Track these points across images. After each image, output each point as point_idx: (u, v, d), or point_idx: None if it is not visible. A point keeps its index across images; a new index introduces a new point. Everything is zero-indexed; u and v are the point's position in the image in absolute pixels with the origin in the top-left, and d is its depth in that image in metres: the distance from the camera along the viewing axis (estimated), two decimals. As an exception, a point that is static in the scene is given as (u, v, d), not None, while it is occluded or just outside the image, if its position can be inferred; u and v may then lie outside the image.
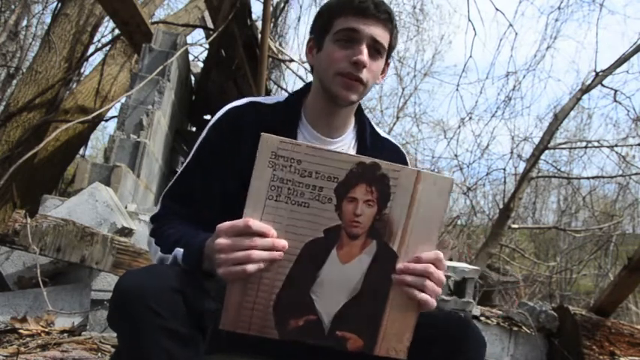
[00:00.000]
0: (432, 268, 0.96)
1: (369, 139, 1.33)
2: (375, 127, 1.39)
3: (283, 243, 0.94)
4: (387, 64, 1.31)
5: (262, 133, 0.93)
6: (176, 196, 1.26)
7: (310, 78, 1.36)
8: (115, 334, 2.31)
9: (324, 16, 1.26)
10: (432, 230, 0.96)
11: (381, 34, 1.21)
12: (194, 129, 6.25)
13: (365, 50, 1.18)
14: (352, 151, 1.32)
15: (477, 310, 3.39)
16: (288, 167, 0.93)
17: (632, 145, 7.59)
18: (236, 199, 1.23)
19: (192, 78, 5.75)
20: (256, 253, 0.92)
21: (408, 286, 0.96)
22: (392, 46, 1.27)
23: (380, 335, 0.96)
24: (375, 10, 1.19)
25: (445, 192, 0.95)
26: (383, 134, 1.40)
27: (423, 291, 0.96)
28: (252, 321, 0.95)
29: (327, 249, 0.95)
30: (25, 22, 8.14)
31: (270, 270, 0.94)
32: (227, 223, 0.96)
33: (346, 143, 1.32)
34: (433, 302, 0.97)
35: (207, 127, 1.28)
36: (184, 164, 1.30)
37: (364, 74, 1.19)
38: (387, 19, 1.21)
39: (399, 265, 0.96)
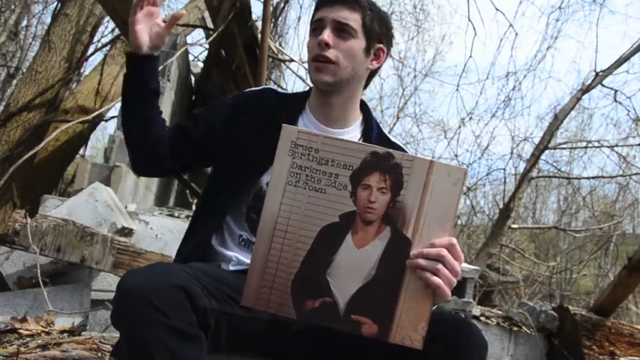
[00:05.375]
0: (444, 251, 0.98)
1: (374, 139, 1.36)
2: (383, 130, 1.43)
3: None
4: (380, 49, 1.36)
5: (283, 124, 1.01)
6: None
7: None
8: (115, 334, 2.32)
9: (310, 20, 1.38)
10: (446, 219, 0.99)
11: (346, 16, 1.29)
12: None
13: (326, 31, 1.28)
14: None
15: (477, 310, 3.39)
16: (307, 155, 0.99)
17: (632, 145, 7.59)
18: (229, 167, 1.34)
19: (192, 78, 5.75)
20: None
21: (421, 269, 0.98)
22: (369, 27, 1.32)
23: (395, 322, 0.98)
24: None
25: (458, 182, 0.98)
26: (392, 139, 1.43)
27: (437, 275, 0.97)
28: (271, 299, 0.99)
29: (342, 233, 1.00)
30: (25, 22, 8.14)
31: (289, 251, 0.99)
32: None
33: (350, 138, 1.33)
34: (447, 290, 0.98)
35: (220, 99, 1.42)
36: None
37: (331, 53, 1.28)
38: (353, 2, 1.30)
39: (413, 251, 0.99)
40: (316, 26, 1.31)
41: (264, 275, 0.99)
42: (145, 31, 1.29)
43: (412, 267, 0.98)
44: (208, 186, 1.40)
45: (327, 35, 1.27)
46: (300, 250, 0.99)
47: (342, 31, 1.29)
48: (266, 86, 1.44)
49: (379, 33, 1.35)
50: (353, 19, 1.29)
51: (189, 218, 3.10)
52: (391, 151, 0.99)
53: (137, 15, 1.28)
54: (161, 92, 3.96)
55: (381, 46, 1.36)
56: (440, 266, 0.98)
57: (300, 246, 0.99)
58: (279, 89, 1.44)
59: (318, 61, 1.28)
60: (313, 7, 1.38)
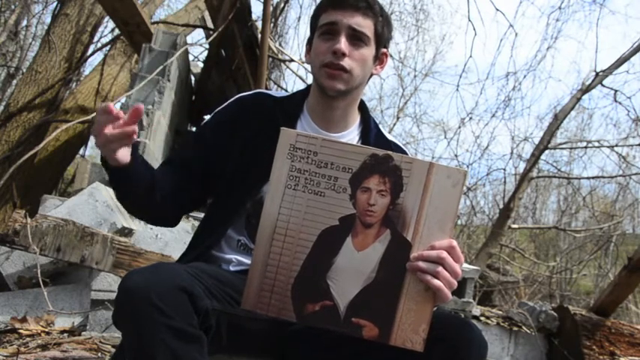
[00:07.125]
0: (444, 254, 0.98)
1: (373, 139, 1.35)
2: (381, 128, 1.41)
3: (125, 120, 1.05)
4: (384, 54, 1.35)
5: (282, 127, 1.00)
6: (167, 161, 1.36)
7: (310, 78, 1.39)
8: (115, 334, 2.32)
9: (312, 18, 1.33)
10: (446, 221, 0.98)
11: (360, 23, 1.25)
12: (194, 129, 6.25)
13: (343, 39, 1.24)
14: None
15: (477, 310, 3.39)
16: (305, 158, 0.99)
17: (632, 145, 7.59)
18: (233, 178, 1.30)
19: (192, 78, 5.74)
20: (108, 131, 1.05)
21: (422, 272, 0.98)
22: (380, 34, 1.30)
23: (395, 324, 0.98)
24: (352, 1, 1.25)
25: (458, 184, 0.98)
26: (390, 137, 1.42)
27: (437, 278, 0.97)
28: (271, 302, 0.99)
29: (342, 237, 0.99)
30: (25, 22, 8.14)
31: (288, 254, 0.99)
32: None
33: (349, 140, 1.33)
34: (447, 292, 0.98)
35: (215, 111, 1.36)
36: (184, 139, 1.34)
37: (346, 62, 1.24)
38: (367, 7, 1.26)
39: (413, 254, 0.98)
40: (328, 30, 1.26)
41: (264, 279, 0.99)
42: (123, 148, 1.10)
43: (412, 269, 0.98)
44: (213, 198, 1.38)
45: (343, 44, 1.23)
46: (299, 253, 0.99)
47: (356, 38, 1.25)
48: (258, 90, 1.40)
49: (387, 38, 1.34)
50: (367, 26, 1.26)
51: (190, 219, 3.10)
52: (390, 153, 0.99)
53: (110, 134, 1.06)
54: (161, 92, 3.96)
55: (386, 50, 1.35)
56: (440, 269, 0.98)
57: (300, 249, 0.99)
58: (272, 92, 1.40)
59: (332, 68, 1.24)
60: (316, 5, 1.33)
